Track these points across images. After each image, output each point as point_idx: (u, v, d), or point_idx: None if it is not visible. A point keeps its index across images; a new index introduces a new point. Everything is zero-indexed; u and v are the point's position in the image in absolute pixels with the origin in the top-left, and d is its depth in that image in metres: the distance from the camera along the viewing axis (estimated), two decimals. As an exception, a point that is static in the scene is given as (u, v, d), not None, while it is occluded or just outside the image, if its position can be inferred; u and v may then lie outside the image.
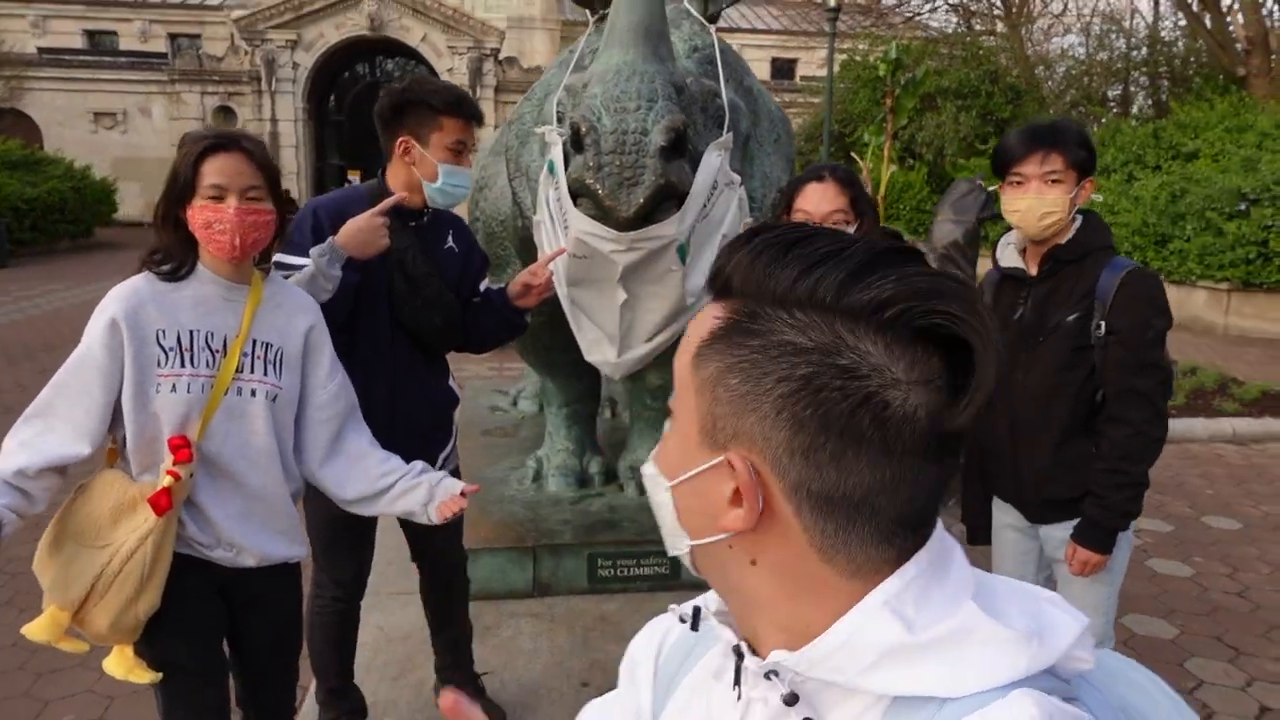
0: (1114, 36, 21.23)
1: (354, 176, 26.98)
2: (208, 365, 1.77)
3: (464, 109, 2.24)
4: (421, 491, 1.96)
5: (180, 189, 1.74)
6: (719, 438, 0.62)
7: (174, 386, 1.74)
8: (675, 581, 3.66)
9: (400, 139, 2.27)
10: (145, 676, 1.78)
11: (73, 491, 1.79)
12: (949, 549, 0.64)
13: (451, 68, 25.84)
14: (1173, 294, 2.37)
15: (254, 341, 1.82)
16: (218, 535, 1.81)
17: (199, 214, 1.73)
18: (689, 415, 0.64)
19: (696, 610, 0.74)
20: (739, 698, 0.67)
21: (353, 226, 2.12)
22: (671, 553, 0.71)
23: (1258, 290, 10.98)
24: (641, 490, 4.12)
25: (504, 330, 2.48)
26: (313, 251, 2.09)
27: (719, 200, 2.62)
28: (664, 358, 2.99)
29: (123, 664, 1.78)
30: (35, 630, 1.71)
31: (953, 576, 0.62)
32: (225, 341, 1.80)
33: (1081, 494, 2.14)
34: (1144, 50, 20.72)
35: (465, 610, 2.73)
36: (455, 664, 2.72)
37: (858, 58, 19.44)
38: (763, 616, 0.65)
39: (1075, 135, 2.11)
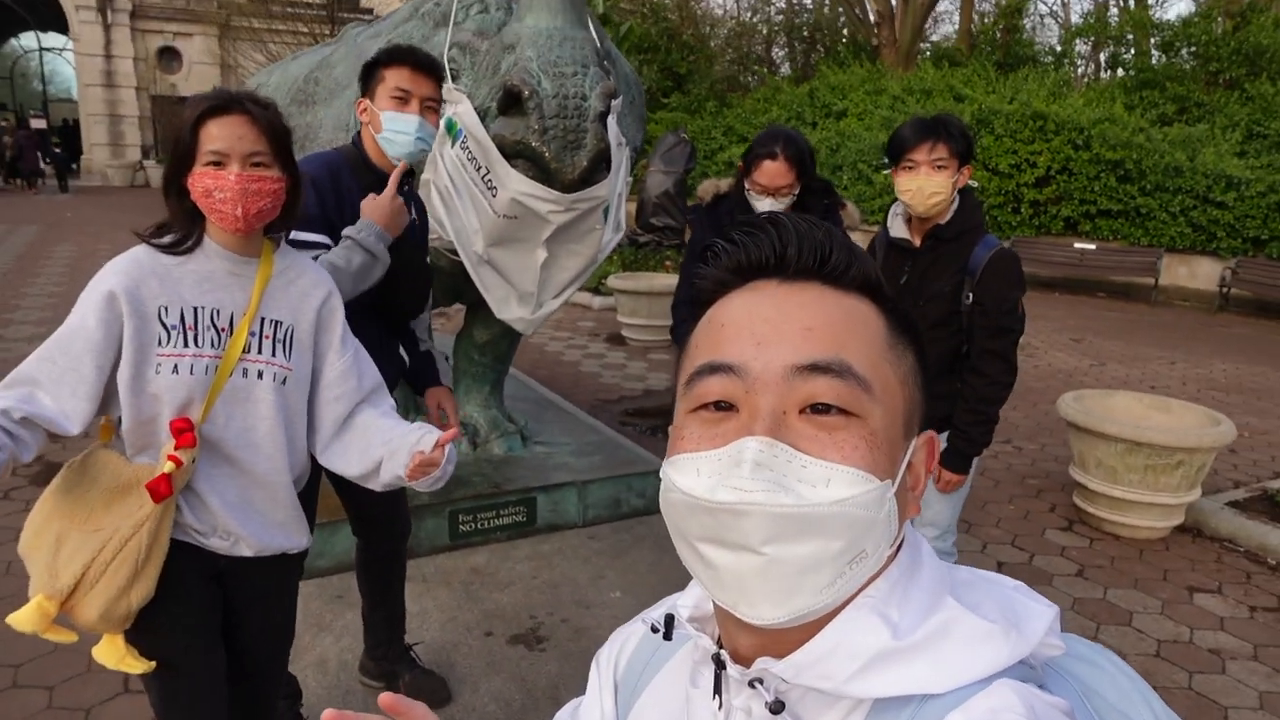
0: (764, 2, 23.60)
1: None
2: (213, 345, 1.63)
3: (402, 57, 2.16)
4: (402, 455, 1.77)
5: (181, 155, 1.59)
6: (913, 422, 0.64)
7: (175, 367, 1.59)
8: (531, 528, 3.80)
9: (358, 103, 2.20)
10: (138, 666, 1.64)
11: (64, 467, 1.63)
12: (918, 541, 0.65)
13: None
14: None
15: (262, 320, 1.69)
16: (214, 523, 1.69)
17: (199, 181, 1.58)
18: (893, 410, 0.62)
19: (669, 619, 0.71)
20: (719, 706, 0.65)
21: (386, 208, 2.13)
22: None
23: (900, 231, 13.35)
24: (475, 445, 4.16)
25: (394, 376, 2.41)
26: (362, 237, 2.09)
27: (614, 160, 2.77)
28: (488, 314, 3.05)
29: (113, 653, 1.64)
30: (21, 620, 1.54)
31: (926, 571, 0.62)
32: (232, 319, 1.65)
33: (945, 416, 2.64)
34: (783, 17, 23.29)
35: (403, 585, 2.67)
36: (389, 640, 2.67)
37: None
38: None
39: (957, 128, 2.51)
